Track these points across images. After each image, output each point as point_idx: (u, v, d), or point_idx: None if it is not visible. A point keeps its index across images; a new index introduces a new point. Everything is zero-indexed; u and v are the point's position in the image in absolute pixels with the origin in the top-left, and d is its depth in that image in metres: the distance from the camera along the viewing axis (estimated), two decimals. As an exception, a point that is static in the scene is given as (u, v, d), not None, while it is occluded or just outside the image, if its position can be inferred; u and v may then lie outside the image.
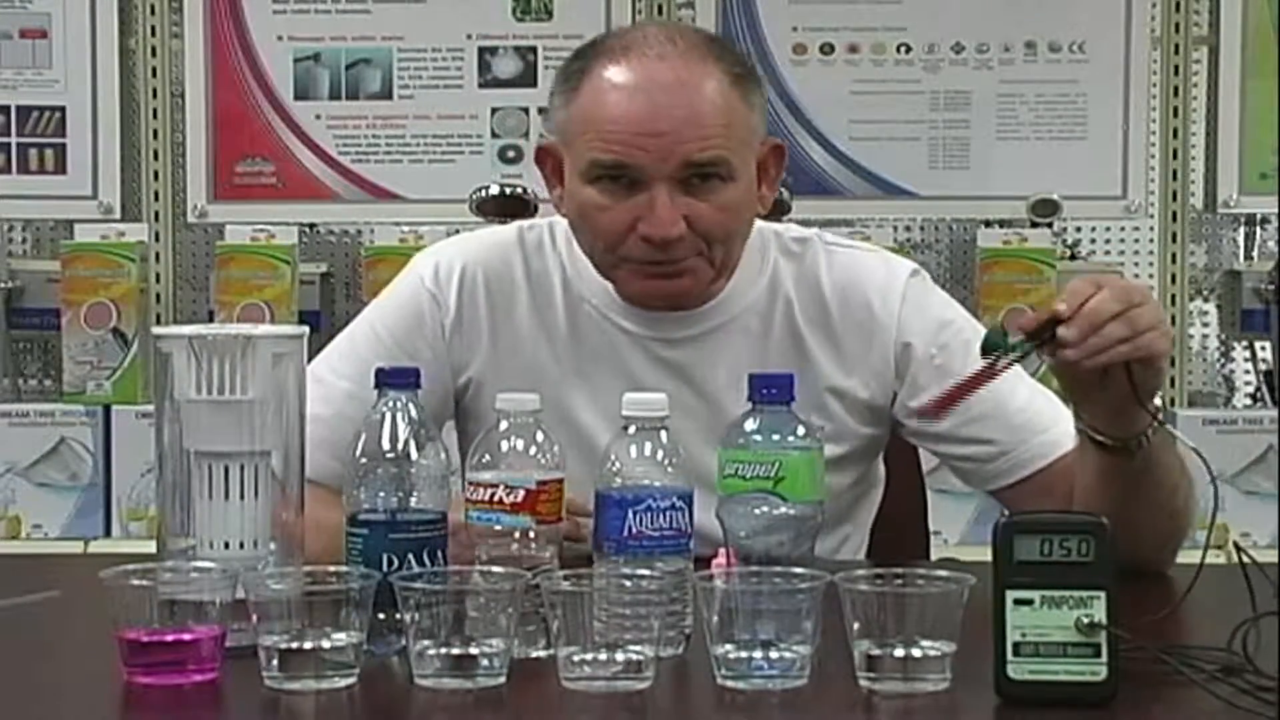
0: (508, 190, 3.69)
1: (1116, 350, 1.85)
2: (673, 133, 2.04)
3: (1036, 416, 2.11)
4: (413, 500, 1.68)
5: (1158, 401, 1.96)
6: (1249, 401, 3.99)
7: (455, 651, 1.58)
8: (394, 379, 1.72)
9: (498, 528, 1.68)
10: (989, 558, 1.56)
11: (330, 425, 1.96)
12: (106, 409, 3.67)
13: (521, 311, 2.19)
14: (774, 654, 1.57)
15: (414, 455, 1.69)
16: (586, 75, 2.09)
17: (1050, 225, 3.74)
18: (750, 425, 1.71)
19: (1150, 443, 1.95)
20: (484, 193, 3.67)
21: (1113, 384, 1.89)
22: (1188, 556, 1.95)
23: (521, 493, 1.68)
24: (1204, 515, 2.00)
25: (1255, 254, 3.98)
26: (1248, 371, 4.00)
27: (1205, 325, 3.99)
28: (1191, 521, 2.06)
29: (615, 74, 2.07)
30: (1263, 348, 3.90)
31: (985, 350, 1.86)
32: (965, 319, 2.21)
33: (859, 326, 2.17)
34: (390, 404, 1.71)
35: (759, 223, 2.19)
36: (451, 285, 2.19)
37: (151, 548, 1.79)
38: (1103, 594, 1.54)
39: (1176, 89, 3.73)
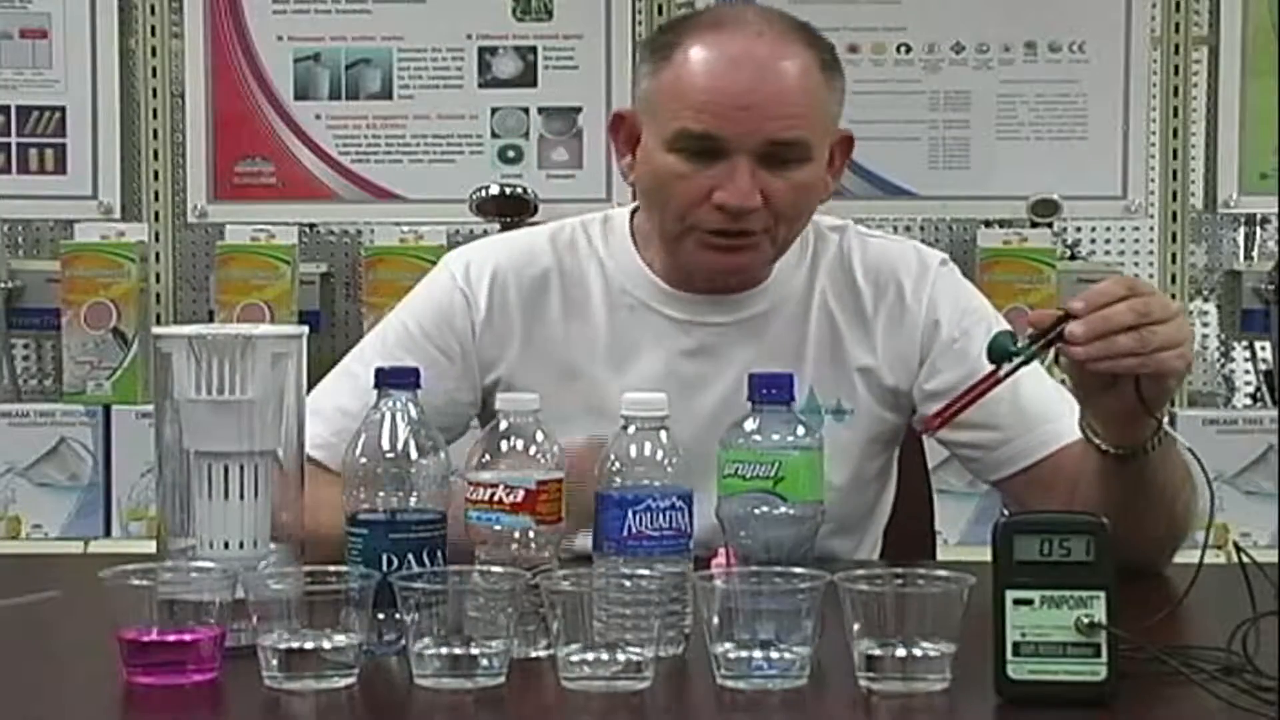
0: (508, 190, 3.68)
1: (1123, 362, 1.85)
2: (761, 108, 2.07)
3: (1045, 406, 2.11)
4: (413, 500, 1.68)
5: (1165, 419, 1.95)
6: (1249, 401, 3.98)
7: (455, 651, 1.58)
8: (394, 379, 1.72)
9: (497, 528, 1.68)
10: (989, 558, 1.56)
11: (358, 419, 1.95)
12: (106, 409, 3.67)
13: (554, 313, 2.21)
14: (774, 654, 1.57)
15: (414, 455, 1.69)
16: (680, 46, 2.11)
17: (1050, 225, 3.74)
18: (750, 425, 1.71)
19: (1151, 454, 1.95)
20: (484, 193, 3.67)
21: (1120, 392, 1.89)
22: (1187, 557, 1.94)
23: (521, 493, 1.67)
24: (1202, 518, 1.99)
25: (1255, 254, 3.98)
26: (1248, 371, 4.00)
27: (1205, 325, 3.99)
28: (1191, 525, 2.06)
29: (711, 46, 2.10)
30: (1263, 348, 3.90)
31: (992, 355, 1.86)
32: (989, 309, 2.26)
33: (890, 310, 2.21)
34: (390, 404, 1.71)
35: None
36: (483, 285, 2.21)
37: (151, 548, 1.79)
38: (1102, 594, 1.54)
39: (1176, 89, 3.73)
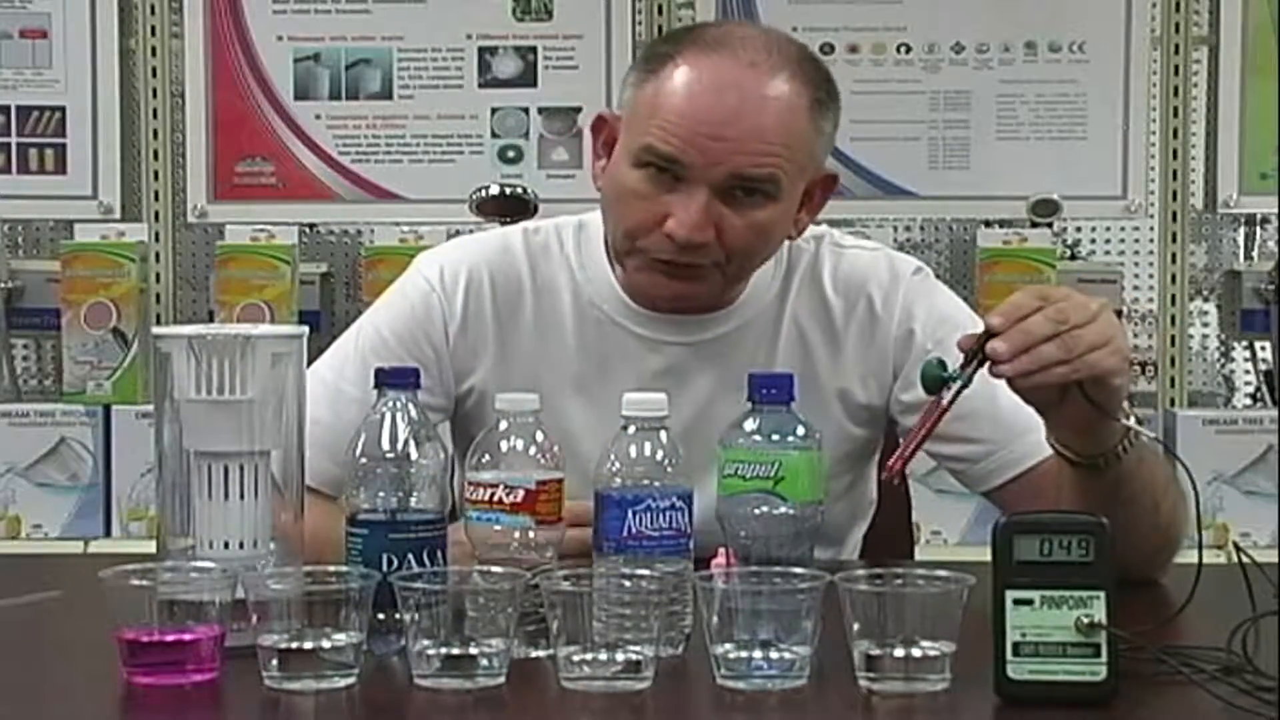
0: (508, 190, 3.69)
1: (1054, 371, 1.79)
2: (733, 141, 2.01)
3: (1024, 415, 2.03)
4: (412, 500, 1.68)
5: (1135, 420, 1.90)
6: (1249, 401, 3.99)
7: (455, 651, 1.58)
8: (394, 379, 1.72)
9: (497, 528, 1.68)
10: (989, 558, 1.56)
11: (334, 430, 1.93)
12: (106, 409, 3.67)
13: (526, 320, 2.17)
14: (773, 654, 1.57)
15: (414, 455, 1.69)
16: (672, 60, 2.05)
17: (1050, 225, 3.74)
18: (750, 425, 1.71)
19: (1123, 459, 1.91)
20: (484, 193, 3.67)
21: (1070, 401, 1.84)
22: (1185, 558, 1.94)
23: (521, 492, 1.68)
24: (1194, 522, 1.98)
25: (1255, 254, 3.98)
26: (1248, 371, 4.00)
27: (1205, 325, 3.99)
28: (1183, 532, 2.02)
29: (701, 67, 2.03)
30: (1263, 348, 3.90)
31: (926, 385, 1.81)
32: (968, 316, 2.18)
33: (860, 323, 2.17)
34: (390, 404, 1.71)
35: None
36: (458, 290, 2.17)
37: (151, 548, 1.79)
38: (1102, 594, 1.54)
39: (1176, 89, 3.73)
